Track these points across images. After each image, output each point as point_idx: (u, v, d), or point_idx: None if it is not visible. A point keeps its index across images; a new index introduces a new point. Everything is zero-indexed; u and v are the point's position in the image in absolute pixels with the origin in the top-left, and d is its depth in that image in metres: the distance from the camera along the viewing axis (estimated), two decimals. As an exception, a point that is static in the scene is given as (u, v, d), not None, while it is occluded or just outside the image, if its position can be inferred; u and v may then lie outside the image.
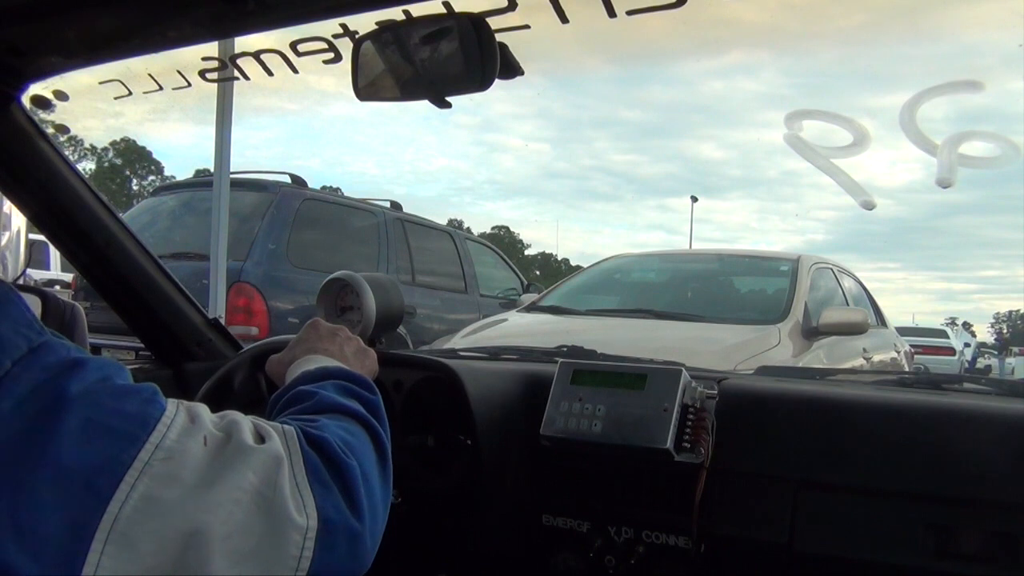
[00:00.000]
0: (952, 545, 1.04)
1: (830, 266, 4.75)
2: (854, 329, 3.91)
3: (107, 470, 0.57)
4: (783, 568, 1.13)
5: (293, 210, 4.62)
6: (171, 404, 0.64)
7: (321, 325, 1.01)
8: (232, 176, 4.90)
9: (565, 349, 1.68)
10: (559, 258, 60.58)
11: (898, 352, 5.27)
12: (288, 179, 4.93)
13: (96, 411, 0.59)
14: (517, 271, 7.00)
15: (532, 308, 4.42)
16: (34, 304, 1.66)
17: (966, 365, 18.98)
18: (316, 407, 0.78)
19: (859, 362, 4.28)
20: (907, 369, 4.98)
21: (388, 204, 5.61)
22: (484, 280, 6.32)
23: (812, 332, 3.86)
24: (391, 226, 5.39)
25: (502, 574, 1.36)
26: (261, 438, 0.67)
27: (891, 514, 1.08)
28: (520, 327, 4.08)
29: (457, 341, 3.83)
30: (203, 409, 0.67)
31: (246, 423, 0.67)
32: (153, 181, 45.85)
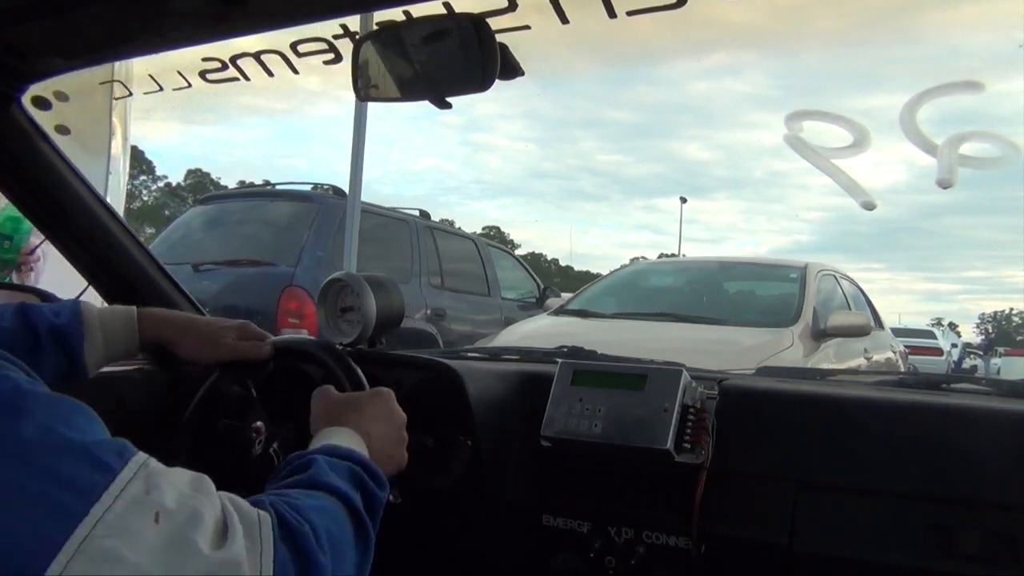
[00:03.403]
0: (952, 545, 1.04)
1: (833, 273, 4.99)
2: (859, 331, 4.16)
3: (35, 551, 0.50)
4: (783, 569, 1.13)
5: (337, 219, 4.82)
6: (129, 467, 0.56)
7: (387, 407, 0.95)
8: (277, 187, 5.63)
9: (565, 349, 1.68)
10: (548, 258, 60.73)
11: (894, 352, 5.50)
12: (331, 190, 5.30)
13: (27, 475, 0.51)
14: (534, 275, 7.22)
15: (560, 312, 4.68)
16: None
17: (952, 366, 19.08)
18: (314, 483, 0.73)
19: (861, 362, 4.48)
20: (903, 369, 5.19)
21: (418, 213, 5.94)
22: (503, 283, 6.56)
23: (820, 334, 4.07)
24: (421, 233, 5.69)
25: (502, 574, 1.35)
26: (224, 535, 0.58)
27: (891, 514, 1.08)
28: (554, 329, 4.29)
29: (501, 339, 4.15)
30: (171, 478, 0.59)
31: (210, 511, 0.59)
32: (144, 180, 45.74)
